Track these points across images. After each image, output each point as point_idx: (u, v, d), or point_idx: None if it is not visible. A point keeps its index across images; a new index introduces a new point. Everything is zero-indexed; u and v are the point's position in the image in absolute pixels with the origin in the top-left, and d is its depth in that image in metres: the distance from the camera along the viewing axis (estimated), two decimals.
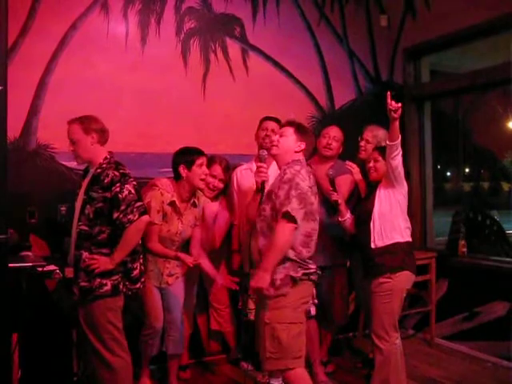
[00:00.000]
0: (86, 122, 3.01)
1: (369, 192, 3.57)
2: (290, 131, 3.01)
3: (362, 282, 3.60)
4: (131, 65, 4.19)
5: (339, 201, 3.55)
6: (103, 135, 3.05)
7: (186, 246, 3.57)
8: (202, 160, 3.42)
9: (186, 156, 3.42)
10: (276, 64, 4.80)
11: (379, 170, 3.41)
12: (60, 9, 3.97)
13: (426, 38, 4.98)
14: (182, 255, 3.35)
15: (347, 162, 3.84)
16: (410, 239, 3.41)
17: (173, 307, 3.53)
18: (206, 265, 3.58)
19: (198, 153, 3.44)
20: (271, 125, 3.82)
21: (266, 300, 2.85)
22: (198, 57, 4.49)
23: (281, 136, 3.01)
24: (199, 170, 3.39)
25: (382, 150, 3.37)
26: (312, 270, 2.91)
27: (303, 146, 3.00)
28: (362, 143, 3.94)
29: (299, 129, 3.03)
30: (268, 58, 4.76)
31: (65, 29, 4.00)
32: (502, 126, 6.57)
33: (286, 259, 2.82)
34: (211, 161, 3.74)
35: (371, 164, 3.46)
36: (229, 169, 3.86)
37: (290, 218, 2.76)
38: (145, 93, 4.21)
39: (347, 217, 3.58)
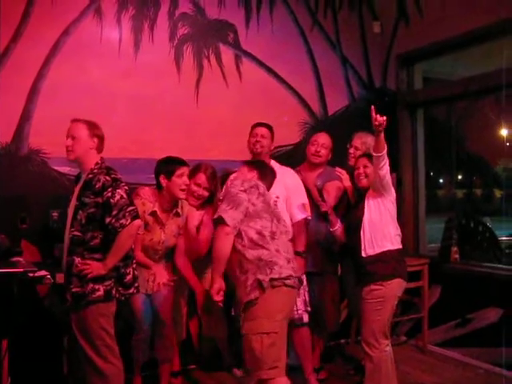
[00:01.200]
0: (92, 126, 3.02)
1: (358, 200, 3.57)
2: (244, 169, 3.22)
3: (354, 289, 3.59)
4: (124, 70, 4.18)
5: (328, 211, 3.56)
6: (102, 143, 3.06)
7: (172, 252, 3.56)
8: (182, 170, 3.39)
9: (166, 166, 3.42)
10: (269, 70, 4.81)
11: (370, 176, 3.41)
12: (53, 14, 3.97)
13: (419, 44, 5.01)
14: (158, 271, 3.36)
15: (337, 169, 3.85)
16: (400, 246, 3.42)
17: (161, 312, 3.52)
18: (189, 276, 3.56)
19: (179, 163, 3.43)
20: (261, 131, 3.81)
21: (244, 312, 2.82)
22: (192, 63, 4.50)
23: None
24: (179, 180, 3.37)
25: (371, 157, 3.38)
26: (285, 275, 2.81)
27: (254, 173, 3.14)
28: (351, 150, 3.95)
29: (251, 164, 3.27)
30: (261, 64, 4.78)
31: (58, 34, 4.00)
32: (495, 133, 6.60)
33: (256, 260, 2.81)
34: (196, 169, 3.69)
35: (361, 170, 3.46)
36: (215, 177, 3.75)
37: (219, 221, 2.82)
38: (138, 98, 4.21)
39: (338, 226, 3.59)
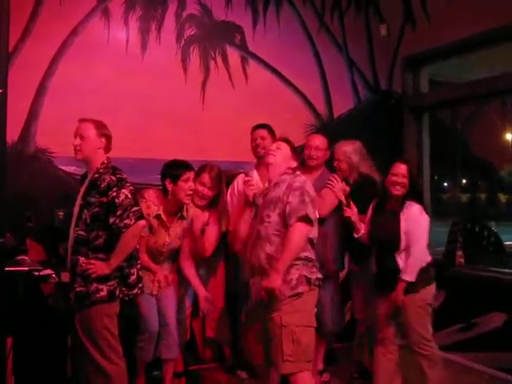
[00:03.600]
0: (100, 126, 3.03)
1: (382, 208, 3.48)
2: (287, 148, 3.12)
3: (377, 295, 3.54)
4: (131, 71, 4.21)
5: (352, 217, 3.51)
6: (109, 143, 3.06)
7: (177, 254, 3.59)
8: (188, 175, 3.39)
9: (172, 169, 3.41)
10: (275, 72, 4.82)
11: (407, 185, 3.36)
12: (61, 14, 4.00)
13: (426, 47, 5.00)
14: (162, 276, 3.40)
15: (331, 177, 3.77)
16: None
17: (166, 312, 3.53)
18: (193, 279, 3.58)
19: (185, 167, 3.42)
20: (260, 133, 3.80)
21: (281, 304, 2.85)
22: (198, 64, 4.53)
23: (278, 149, 3.10)
24: (185, 185, 3.36)
25: (408, 166, 3.40)
26: (320, 276, 2.98)
27: (295, 164, 3.13)
28: (335, 164, 3.90)
29: (295, 150, 3.17)
30: (267, 65, 4.79)
31: (66, 34, 4.04)
32: (500, 137, 6.57)
33: (298, 258, 2.89)
34: (201, 169, 3.70)
35: (399, 179, 3.36)
36: (220, 177, 3.74)
37: (308, 221, 2.86)
38: (144, 99, 4.23)
39: (362, 232, 3.53)
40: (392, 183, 3.36)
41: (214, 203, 3.75)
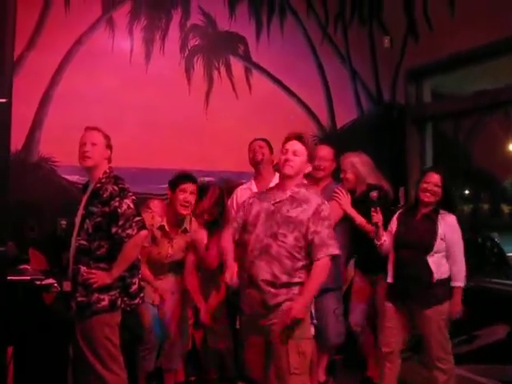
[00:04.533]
0: (107, 137, 3.04)
1: (420, 219, 3.47)
2: (304, 152, 2.88)
3: (392, 306, 3.52)
4: (135, 81, 4.23)
5: (379, 223, 3.48)
6: (111, 155, 3.07)
7: (179, 265, 3.58)
8: (185, 185, 3.40)
9: (173, 179, 3.46)
10: (279, 83, 4.84)
11: (439, 194, 3.39)
12: (67, 23, 4.04)
13: (428, 59, 5.02)
14: (157, 297, 3.45)
15: (336, 189, 3.78)
16: None
17: (168, 322, 3.54)
18: (195, 294, 3.60)
19: (185, 178, 3.44)
20: (258, 143, 3.83)
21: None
22: (202, 74, 4.54)
23: (295, 155, 2.84)
24: (180, 195, 3.38)
25: (441, 176, 3.41)
26: None
27: (310, 168, 3.01)
28: (342, 175, 3.91)
29: (311, 151, 2.99)
30: (271, 76, 4.81)
31: (71, 43, 4.06)
32: (503, 148, 6.57)
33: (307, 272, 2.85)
34: (204, 191, 3.70)
35: (429, 187, 3.38)
36: (222, 197, 3.76)
37: (333, 258, 2.86)
38: (148, 108, 4.24)
39: (383, 239, 3.51)
40: (422, 190, 3.41)
41: (216, 221, 3.76)
